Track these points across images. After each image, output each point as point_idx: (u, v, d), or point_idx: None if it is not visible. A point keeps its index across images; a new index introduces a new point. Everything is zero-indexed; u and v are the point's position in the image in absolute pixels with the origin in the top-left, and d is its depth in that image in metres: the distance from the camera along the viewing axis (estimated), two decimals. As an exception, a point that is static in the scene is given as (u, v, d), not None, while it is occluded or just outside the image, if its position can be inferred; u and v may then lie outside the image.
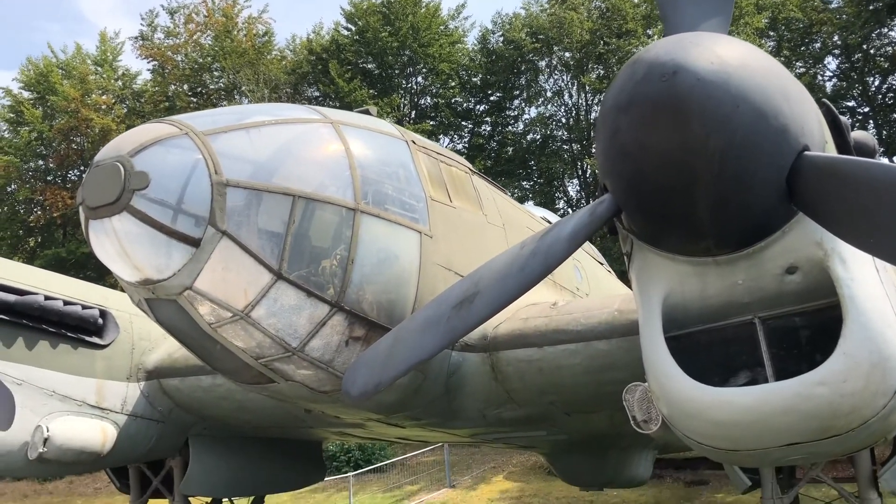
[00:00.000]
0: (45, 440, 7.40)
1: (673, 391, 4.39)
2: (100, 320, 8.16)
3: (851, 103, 38.08)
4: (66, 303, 7.78)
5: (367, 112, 7.25)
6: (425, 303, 6.22)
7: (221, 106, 44.84)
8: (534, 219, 9.47)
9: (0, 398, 5.93)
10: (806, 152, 3.89)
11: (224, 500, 10.90)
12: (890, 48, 36.21)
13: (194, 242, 5.16)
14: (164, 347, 8.81)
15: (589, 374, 6.62)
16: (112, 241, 5.15)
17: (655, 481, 20.72)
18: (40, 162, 44.92)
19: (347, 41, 41.80)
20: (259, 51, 44.32)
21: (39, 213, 43.68)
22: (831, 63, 38.89)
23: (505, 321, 6.96)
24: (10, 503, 31.08)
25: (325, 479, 15.41)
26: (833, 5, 36.12)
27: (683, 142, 3.74)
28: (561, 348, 6.59)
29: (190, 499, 9.93)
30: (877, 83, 37.58)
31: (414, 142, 6.89)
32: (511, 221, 8.19)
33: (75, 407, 7.86)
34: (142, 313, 8.78)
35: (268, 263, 5.39)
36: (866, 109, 37.95)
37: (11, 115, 44.78)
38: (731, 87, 3.74)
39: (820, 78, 37.53)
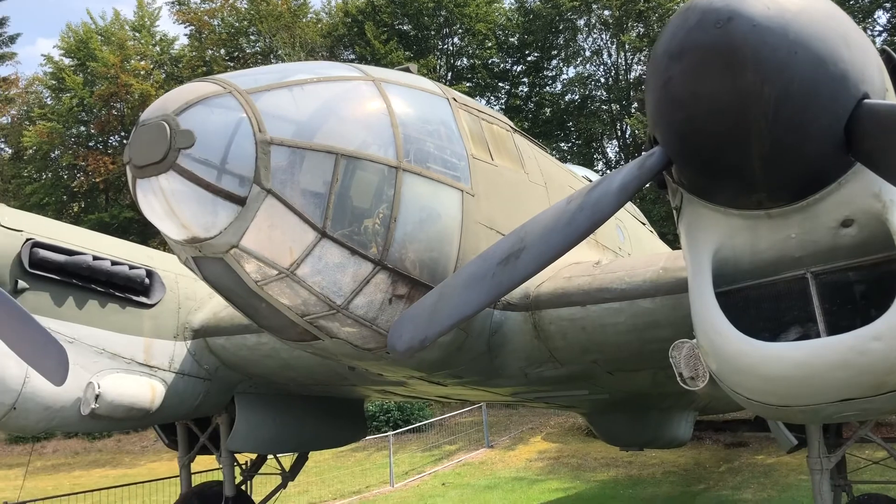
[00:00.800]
0: (97, 396, 7.59)
1: (723, 346, 4.33)
2: (146, 280, 8.31)
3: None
4: (113, 263, 7.93)
5: (407, 70, 7.20)
6: (468, 261, 6.24)
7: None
8: (575, 177, 9.37)
9: (54, 354, 6.07)
10: (866, 100, 3.75)
11: (268, 456, 11.15)
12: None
13: (240, 201, 5.20)
14: (210, 307, 8.96)
15: (633, 332, 6.58)
16: (159, 199, 5.20)
17: (695, 443, 20.67)
18: (82, 128, 45.41)
19: (383, 2, 41.43)
20: (295, 14, 44.16)
21: (82, 178, 44.35)
22: (882, 17, 37.62)
23: (547, 280, 6.93)
24: (62, 458, 32.13)
25: (365, 438, 15.61)
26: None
27: (737, 89, 3.64)
28: (605, 307, 6.55)
29: (235, 455, 10.16)
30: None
31: (455, 99, 6.83)
32: (553, 180, 8.11)
33: (124, 364, 8.05)
34: (187, 273, 8.99)
35: (312, 222, 5.41)
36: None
37: (53, 83, 45.30)
38: (789, 32, 3.62)
39: (870, 32, 36.22)
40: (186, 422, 10.23)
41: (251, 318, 6.26)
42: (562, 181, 8.45)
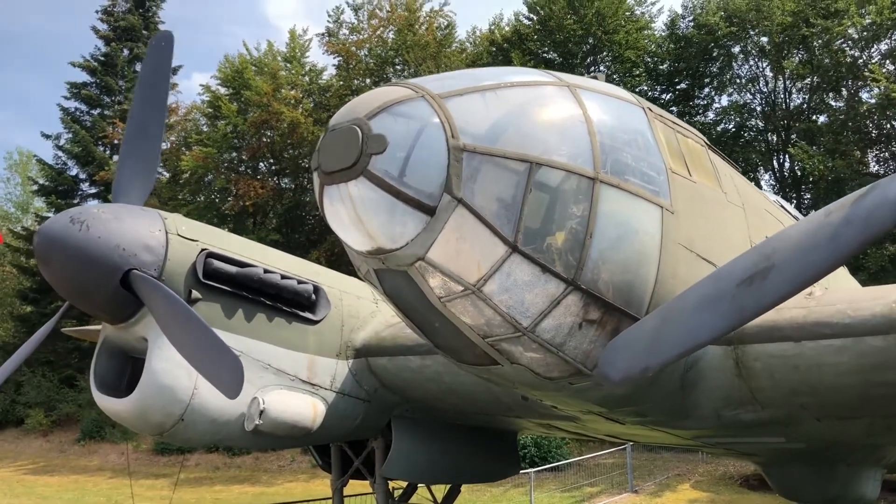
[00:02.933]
0: (261, 412, 7.45)
1: None
2: (313, 296, 8.16)
3: None
4: (282, 276, 7.81)
5: (595, 78, 6.70)
6: (667, 286, 5.62)
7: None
8: (769, 201, 8.53)
9: (230, 367, 5.91)
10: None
11: (419, 486, 10.77)
12: None
13: (429, 210, 4.84)
14: (372, 326, 8.73)
15: (856, 374, 5.71)
16: (347, 207, 4.92)
17: None
18: (234, 154, 47.82)
19: (529, 30, 41.33)
20: (440, 43, 44.86)
21: (232, 201, 46.52)
22: None
23: (752, 310, 6.18)
24: (204, 472, 33.28)
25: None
26: None
27: None
28: (824, 344, 5.72)
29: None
30: None
31: (650, 109, 6.26)
32: (749, 201, 7.34)
33: (288, 381, 7.89)
34: (351, 290, 8.85)
35: (503, 235, 4.97)
36: None
37: (210, 110, 48.02)
38: None
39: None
40: (341, 444, 10.02)
41: (427, 337, 5.87)
42: (758, 203, 7.66)
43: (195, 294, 7.28)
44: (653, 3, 42.07)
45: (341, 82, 47.09)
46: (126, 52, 56.56)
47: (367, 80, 46.95)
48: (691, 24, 39.21)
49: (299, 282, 8.00)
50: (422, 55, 43.10)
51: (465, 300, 5.25)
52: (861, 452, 9.43)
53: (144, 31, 56.43)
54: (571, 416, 7.28)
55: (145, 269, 6.92)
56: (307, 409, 7.90)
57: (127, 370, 7.74)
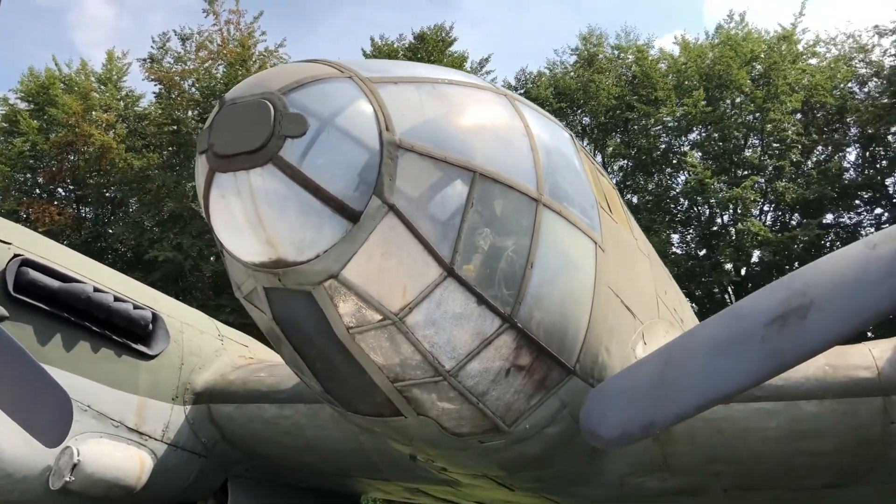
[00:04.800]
0: (74, 466, 5.90)
1: None
2: (150, 325, 6.74)
3: (868, 194, 37.62)
4: (116, 298, 6.36)
5: None
6: (597, 333, 4.95)
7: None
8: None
9: (53, 406, 4.48)
10: None
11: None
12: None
13: (353, 216, 3.86)
14: (216, 367, 7.40)
15: (783, 441, 5.29)
16: (244, 202, 3.83)
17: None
18: (28, 175, 43.28)
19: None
20: (277, 81, 43.38)
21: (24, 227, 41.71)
22: (851, 153, 38.57)
23: (670, 366, 5.64)
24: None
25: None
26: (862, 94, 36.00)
27: None
28: (755, 406, 5.26)
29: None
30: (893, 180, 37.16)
31: (573, 137, 5.66)
32: (652, 252, 6.94)
33: (111, 428, 6.37)
34: (193, 322, 7.45)
35: (438, 254, 4.08)
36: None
37: (5, 125, 43.29)
38: None
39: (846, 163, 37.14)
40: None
41: (316, 379, 4.78)
42: (656, 255, 7.28)
43: (0, 311, 5.69)
44: (488, 73, 43.27)
45: (160, 111, 44.09)
46: None
47: (189, 112, 44.44)
48: (524, 96, 40.56)
49: (135, 306, 6.57)
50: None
51: (381, 333, 4.26)
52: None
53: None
54: (453, 481, 6.37)
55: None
56: (132, 463, 6.39)
57: None
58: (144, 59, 44.91)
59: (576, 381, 4.89)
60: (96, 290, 6.20)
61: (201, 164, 3.96)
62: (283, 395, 6.79)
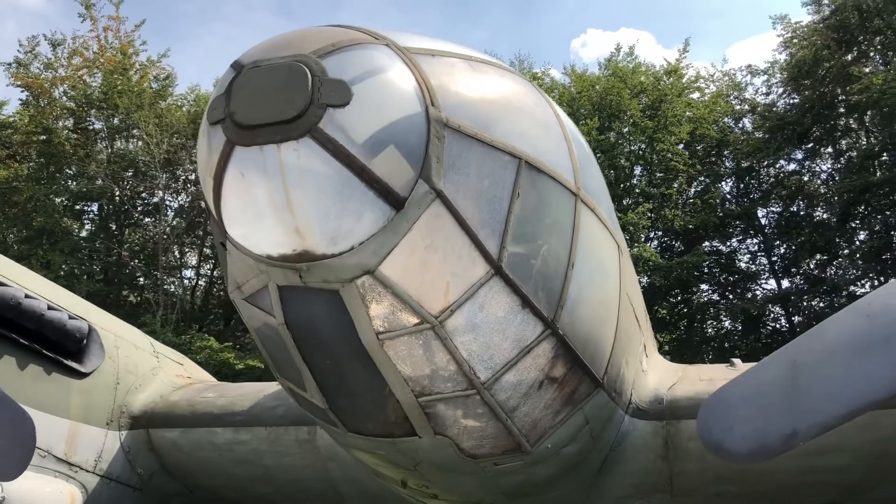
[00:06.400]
0: (-3, 505, 4.95)
1: None
2: (85, 339, 5.84)
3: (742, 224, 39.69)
4: (49, 307, 5.47)
5: None
6: (621, 344, 4.60)
7: (106, 146, 41.20)
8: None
9: (9, 431, 3.65)
10: None
11: None
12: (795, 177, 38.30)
13: (396, 202, 3.31)
14: (154, 387, 6.56)
15: (797, 458, 4.97)
16: (271, 181, 3.23)
17: None
18: None
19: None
20: (158, 94, 41.31)
21: None
22: (727, 184, 40.64)
23: (679, 381, 5.36)
24: None
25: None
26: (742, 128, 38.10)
27: None
28: (772, 420, 5.01)
29: None
30: (764, 211, 39.40)
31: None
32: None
33: (38, 458, 5.43)
34: (127, 336, 6.56)
35: (486, 248, 3.59)
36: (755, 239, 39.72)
37: None
38: None
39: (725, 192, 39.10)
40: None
41: (322, 392, 4.13)
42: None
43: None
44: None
45: (28, 119, 40.96)
46: None
47: (61, 123, 41.63)
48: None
49: (70, 317, 5.68)
50: (136, 102, 39.17)
51: (414, 340, 3.72)
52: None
53: None
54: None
55: None
56: (61, 499, 5.47)
57: None
58: (10, 64, 41.76)
59: (601, 396, 4.52)
60: (28, 296, 5.30)
61: (215, 137, 3.32)
62: (239, 418, 6.04)
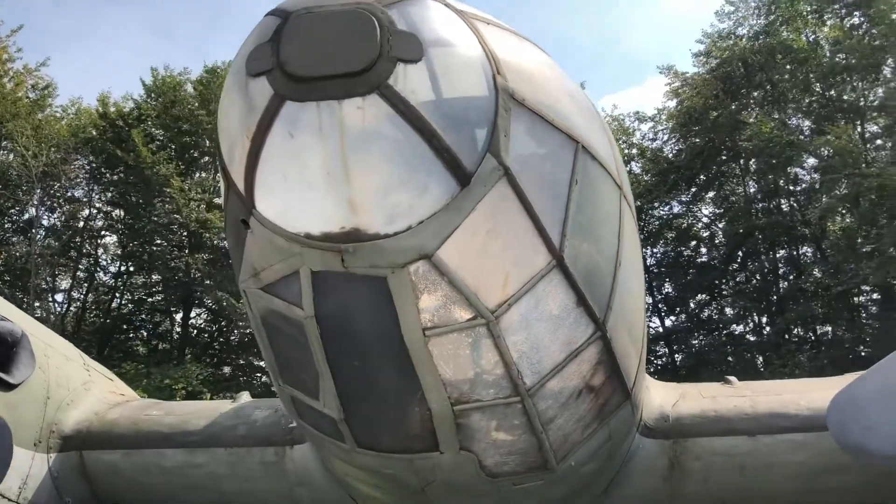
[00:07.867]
0: None
1: None
2: (15, 346, 5.04)
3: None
4: (-21, 306, 4.68)
5: None
6: (645, 353, 4.33)
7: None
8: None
9: None
10: None
11: None
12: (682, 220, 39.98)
13: (463, 177, 2.90)
14: (88, 403, 5.76)
15: (805, 477, 4.91)
16: (327, 143, 2.77)
17: None
18: None
19: (151, 111, 37.94)
20: (36, 104, 38.73)
21: None
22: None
23: (681, 399, 5.13)
24: None
25: None
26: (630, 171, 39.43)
27: None
28: (783, 438, 4.84)
29: None
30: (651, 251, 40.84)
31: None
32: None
33: (-46, 484, 4.59)
34: (57, 346, 5.77)
35: (549, 236, 3.22)
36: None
37: None
38: None
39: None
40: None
41: (340, 398, 3.60)
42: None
43: None
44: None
45: None
46: None
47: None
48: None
49: (2, 318, 4.88)
50: (12, 111, 36.53)
51: (464, 337, 3.30)
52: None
53: None
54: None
55: None
56: (-18, 534, 4.64)
57: None
58: None
59: (627, 409, 4.23)
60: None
61: (256, 91, 2.82)
62: (193, 438, 5.35)
